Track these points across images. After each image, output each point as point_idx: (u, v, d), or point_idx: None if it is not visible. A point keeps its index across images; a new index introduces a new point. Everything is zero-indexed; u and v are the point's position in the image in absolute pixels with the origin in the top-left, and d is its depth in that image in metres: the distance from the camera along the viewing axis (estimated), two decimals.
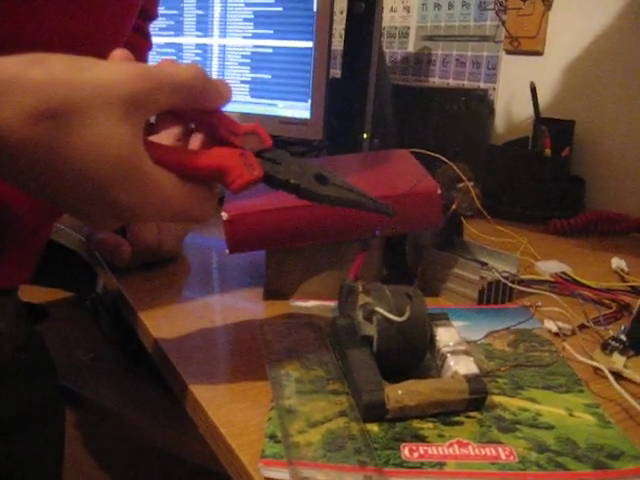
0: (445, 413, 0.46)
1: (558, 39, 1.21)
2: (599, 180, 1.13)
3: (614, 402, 0.49)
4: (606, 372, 0.49)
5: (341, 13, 1.32)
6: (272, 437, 0.43)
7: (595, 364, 0.51)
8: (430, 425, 0.45)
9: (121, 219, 0.44)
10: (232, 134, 0.44)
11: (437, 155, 0.78)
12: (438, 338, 0.50)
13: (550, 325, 0.61)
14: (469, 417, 0.46)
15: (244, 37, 1.23)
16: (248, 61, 1.24)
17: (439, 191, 0.64)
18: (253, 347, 0.56)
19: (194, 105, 0.44)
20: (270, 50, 1.21)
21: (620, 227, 0.98)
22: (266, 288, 0.68)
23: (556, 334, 0.60)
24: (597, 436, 0.44)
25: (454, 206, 0.75)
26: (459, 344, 0.50)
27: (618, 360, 0.53)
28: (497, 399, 0.48)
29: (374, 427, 0.44)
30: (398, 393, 0.45)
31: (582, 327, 0.61)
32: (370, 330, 0.49)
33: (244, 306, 0.67)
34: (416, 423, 0.45)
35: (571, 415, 0.47)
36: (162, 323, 0.62)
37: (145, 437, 0.81)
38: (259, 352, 0.54)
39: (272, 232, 0.63)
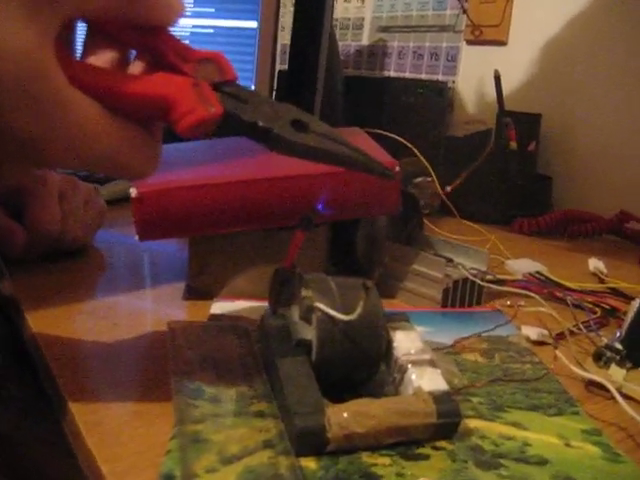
0: (406, 443, 0.34)
1: (523, 28, 1.13)
2: (566, 177, 1.05)
3: (616, 426, 0.39)
4: (613, 390, 0.38)
5: (292, 6, 1.22)
6: (169, 478, 0.31)
7: (598, 379, 0.40)
8: (386, 460, 0.33)
9: (27, 158, 0.31)
10: (183, 60, 0.33)
11: (393, 135, 0.68)
12: (396, 344, 0.39)
13: (529, 331, 0.50)
14: (437, 448, 0.35)
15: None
16: (187, 42, 1.12)
17: (397, 168, 0.53)
18: (161, 356, 0.44)
19: (130, 15, 0.31)
20: (211, 30, 1.13)
21: (592, 227, 0.89)
22: (188, 285, 0.56)
23: (540, 343, 0.49)
24: (606, 474, 0.33)
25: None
26: (423, 352, 0.39)
27: (616, 373, 0.43)
28: (472, 423, 0.37)
29: (310, 463, 0.33)
30: (343, 416, 0.33)
31: (566, 335, 0.51)
32: (308, 333, 0.38)
33: (159, 306, 0.55)
34: (367, 457, 0.33)
35: (567, 445, 0.36)
36: (53, 325, 0.49)
37: (39, 466, 0.68)
38: (167, 362, 0.42)
39: (192, 214, 0.51)
